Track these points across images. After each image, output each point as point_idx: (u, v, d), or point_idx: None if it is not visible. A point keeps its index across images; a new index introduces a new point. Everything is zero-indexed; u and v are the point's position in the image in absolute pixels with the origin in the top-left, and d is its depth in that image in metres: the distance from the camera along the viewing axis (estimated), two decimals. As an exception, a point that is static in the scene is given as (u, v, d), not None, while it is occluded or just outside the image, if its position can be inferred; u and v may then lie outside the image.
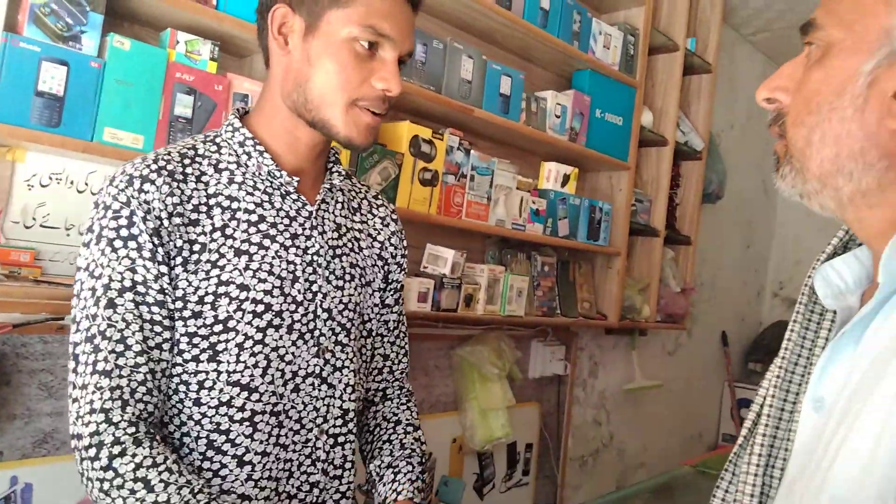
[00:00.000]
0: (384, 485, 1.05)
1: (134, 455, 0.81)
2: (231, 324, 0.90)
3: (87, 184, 1.33)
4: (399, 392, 1.18)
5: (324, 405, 0.98)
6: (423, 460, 1.10)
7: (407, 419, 1.14)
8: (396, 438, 1.10)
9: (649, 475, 3.00)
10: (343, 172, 1.07)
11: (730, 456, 0.84)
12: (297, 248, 0.97)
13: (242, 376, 0.91)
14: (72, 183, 1.31)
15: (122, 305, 0.85)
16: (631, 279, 2.72)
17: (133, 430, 0.83)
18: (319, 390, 0.98)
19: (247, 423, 0.91)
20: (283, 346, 0.94)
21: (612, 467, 3.03)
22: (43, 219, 1.28)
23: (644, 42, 2.50)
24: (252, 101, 1.41)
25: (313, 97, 0.93)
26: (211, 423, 0.90)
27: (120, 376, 0.83)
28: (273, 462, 0.93)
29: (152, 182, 0.87)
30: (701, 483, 1.94)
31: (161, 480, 0.81)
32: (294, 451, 0.96)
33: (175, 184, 0.89)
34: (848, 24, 0.62)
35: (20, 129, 1.14)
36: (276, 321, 0.93)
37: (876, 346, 0.63)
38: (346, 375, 1.01)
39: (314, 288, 0.98)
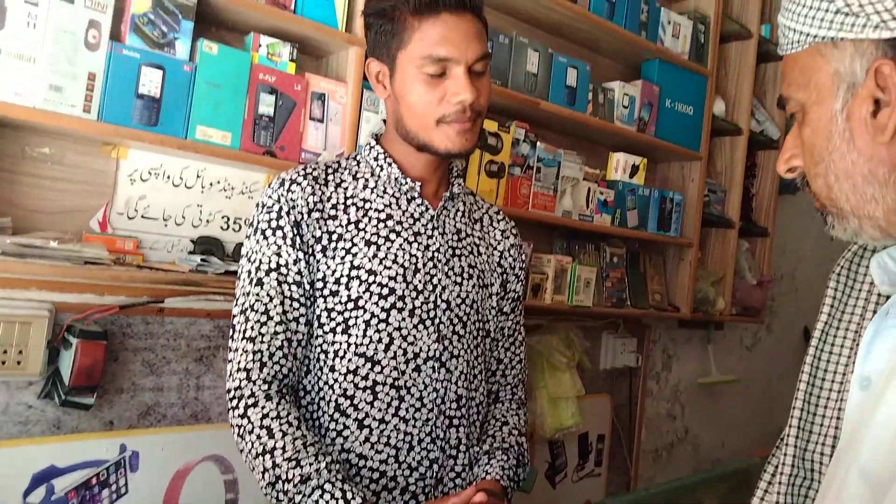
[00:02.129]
0: (479, 466, 1.13)
1: (263, 407, 0.97)
2: (360, 303, 1.04)
3: (181, 178, 1.45)
4: (511, 397, 1.25)
5: (442, 387, 1.08)
6: (521, 460, 1.17)
7: (514, 423, 1.21)
8: (500, 435, 1.18)
9: (726, 471, 2.93)
10: (464, 185, 1.20)
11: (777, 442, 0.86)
12: (420, 244, 1.10)
13: (367, 349, 1.04)
14: (168, 177, 1.43)
15: (268, 283, 1.01)
16: (704, 271, 2.68)
17: (266, 387, 0.98)
18: (438, 373, 1.08)
19: (369, 391, 1.04)
20: (406, 328, 1.06)
21: (686, 461, 2.98)
22: (144, 210, 1.41)
23: (715, 30, 2.47)
24: (328, 99, 1.51)
25: (410, 127, 1.08)
26: (340, 388, 1.04)
27: (262, 342, 0.99)
28: (392, 431, 1.04)
29: (299, 184, 1.05)
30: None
31: (280, 430, 0.95)
32: (415, 426, 1.06)
33: (318, 186, 1.07)
34: (805, 85, 0.72)
35: (124, 128, 1.26)
36: (399, 304, 1.05)
37: None
38: (462, 363, 1.11)
39: (434, 281, 1.09)
